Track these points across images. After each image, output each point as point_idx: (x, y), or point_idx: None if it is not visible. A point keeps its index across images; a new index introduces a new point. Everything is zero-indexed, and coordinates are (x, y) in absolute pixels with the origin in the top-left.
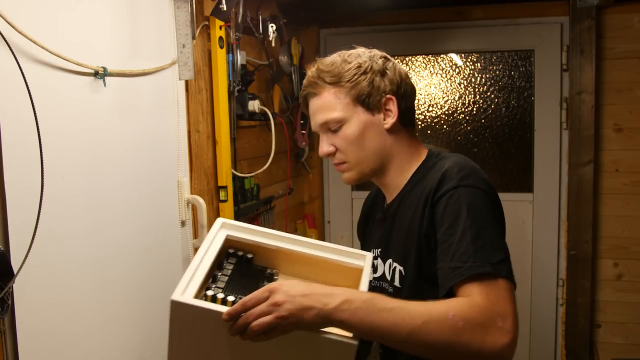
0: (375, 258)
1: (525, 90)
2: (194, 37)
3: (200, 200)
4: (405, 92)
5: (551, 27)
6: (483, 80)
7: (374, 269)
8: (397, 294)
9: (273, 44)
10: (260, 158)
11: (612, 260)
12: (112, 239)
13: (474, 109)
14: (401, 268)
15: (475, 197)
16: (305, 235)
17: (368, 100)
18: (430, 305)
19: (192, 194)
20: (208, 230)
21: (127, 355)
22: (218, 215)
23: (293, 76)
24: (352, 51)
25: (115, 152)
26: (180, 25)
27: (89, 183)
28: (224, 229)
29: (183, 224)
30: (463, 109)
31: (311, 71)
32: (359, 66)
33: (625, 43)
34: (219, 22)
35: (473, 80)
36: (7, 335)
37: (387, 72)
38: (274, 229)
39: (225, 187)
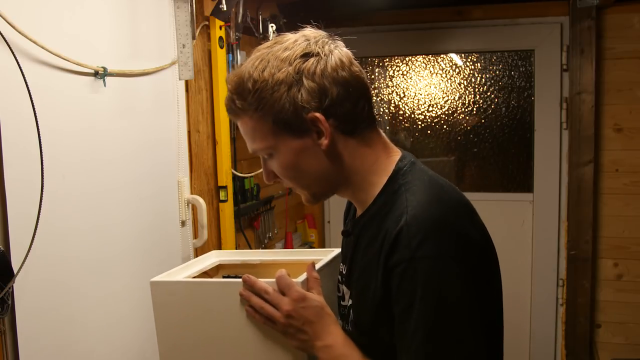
0: (341, 279)
1: (525, 90)
2: (194, 37)
3: (200, 200)
4: (337, 96)
5: (551, 27)
6: (483, 80)
7: (342, 296)
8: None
9: None
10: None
11: (612, 260)
12: (112, 239)
13: (474, 109)
14: (353, 315)
15: (434, 274)
16: (305, 235)
17: (290, 125)
18: None
19: (192, 194)
20: (208, 230)
21: (128, 355)
22: (218, 215)
23: None
24: (266, 51)
25: (115, 152)
26: (180, 25)
27: (89, 183)
28: (215, 256)
29: (183, 224)
30: (463, 109)
31: (227, 89)
32: (265, 81)
33: (625, 43)
34: (219, 22)
35: (473, 80)
36: (7, 335)
37: (304, 78)
38: (274, 228)
39: (225, 187)
